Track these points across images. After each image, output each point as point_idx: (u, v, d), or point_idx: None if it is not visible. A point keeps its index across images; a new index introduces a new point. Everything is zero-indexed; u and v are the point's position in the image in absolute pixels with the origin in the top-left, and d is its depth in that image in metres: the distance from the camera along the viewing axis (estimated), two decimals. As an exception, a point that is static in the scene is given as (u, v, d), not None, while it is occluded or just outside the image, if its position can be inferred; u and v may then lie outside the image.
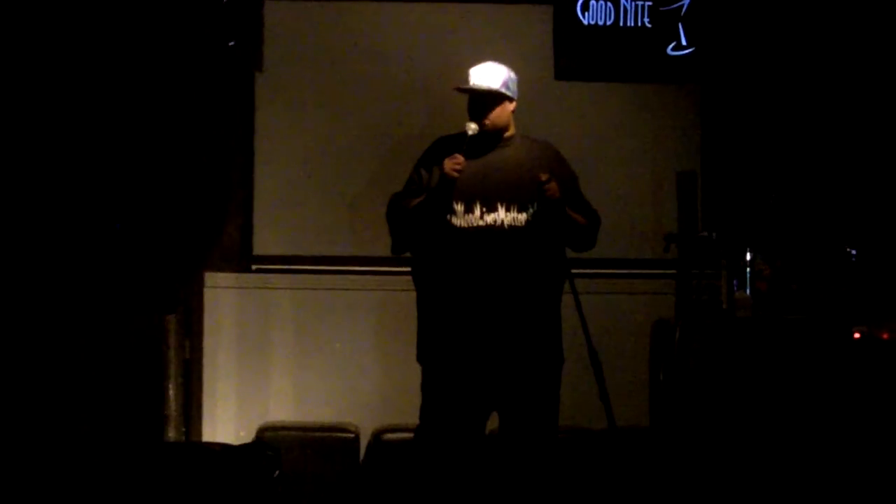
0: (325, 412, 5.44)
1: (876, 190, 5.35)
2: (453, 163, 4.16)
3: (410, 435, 4.44)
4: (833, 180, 5.40)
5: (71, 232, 4.74)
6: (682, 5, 5.49)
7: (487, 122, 4.25)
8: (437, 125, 4.57)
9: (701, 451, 4.73)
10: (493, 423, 4.36)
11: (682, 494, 4.74)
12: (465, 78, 4.31)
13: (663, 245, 5.07)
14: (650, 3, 5.48)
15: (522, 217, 4.22)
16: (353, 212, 5.52)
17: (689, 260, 5.00)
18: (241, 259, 5.56)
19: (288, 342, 5.51)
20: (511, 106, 4.30)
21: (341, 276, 5.51)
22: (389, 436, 5.25)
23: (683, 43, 5.49)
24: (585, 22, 5.49)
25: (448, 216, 4.22)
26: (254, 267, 5.56)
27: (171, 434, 5.21)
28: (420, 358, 4.35)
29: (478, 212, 4.21)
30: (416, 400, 4.34)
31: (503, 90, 4.26)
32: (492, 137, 4.28)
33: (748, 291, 4.92)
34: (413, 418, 4.38)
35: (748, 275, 4.93)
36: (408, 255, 4.41)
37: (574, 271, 4.27)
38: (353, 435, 5.30)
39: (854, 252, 5.01)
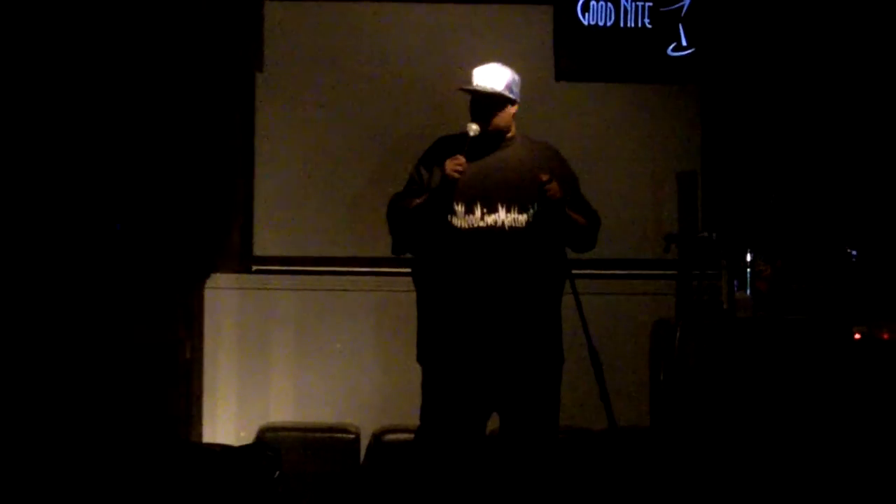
0: (326, 413, 5.44)
1: (876, 190, 5.35)
2: (455, 164, 4.15)
3: (411, 436, 4.43)
4: (833, 181, 5.40)
5: (70, 232, 4.73)
6: (683, 6, 5.49)
7: (489, 124, 4.24)
8: (437, 125, 4.56)
9: (701, 451, 4.72)
10: (493, 423, 4.35)
11: (683, 494, 4.74)
12: (469, 78, 4.28)
13: (663, 245, 5.07)
14: (650, 4, 5.49)
15: (523, 218, 4.21)
16: (353, 212, 5.52)
17: (690, 260, 5.00)
18: (242, 260, 5.56)
19: (288, 343, 5.51)
20: (513, 108, 4.28)
21: (341, 277, 5.51)
22: (390, 436, 5.25)
23: (684, 43, 5.49)
24: (586, 22, 5.49)
25: (449, 217, 4.21)
26: (254, 268, 5.56)
27: (172, 435, 5.20)
28: (420, 358, 4.34)
29: (478, 212, 4.20)
30: (417, 401, 4.33)
31: (506, 93, 4.24)
32: (493, 138, 4.27)
33: (748, 292, 4.92)
34: (413, 419, 4.38)
35: (748, 275, 4.93)
36: (408, 255, 4.40)
37: (574, 272, 4.25)
38: (353, 436, 5.30)
39: (854, 252, 5.00)
